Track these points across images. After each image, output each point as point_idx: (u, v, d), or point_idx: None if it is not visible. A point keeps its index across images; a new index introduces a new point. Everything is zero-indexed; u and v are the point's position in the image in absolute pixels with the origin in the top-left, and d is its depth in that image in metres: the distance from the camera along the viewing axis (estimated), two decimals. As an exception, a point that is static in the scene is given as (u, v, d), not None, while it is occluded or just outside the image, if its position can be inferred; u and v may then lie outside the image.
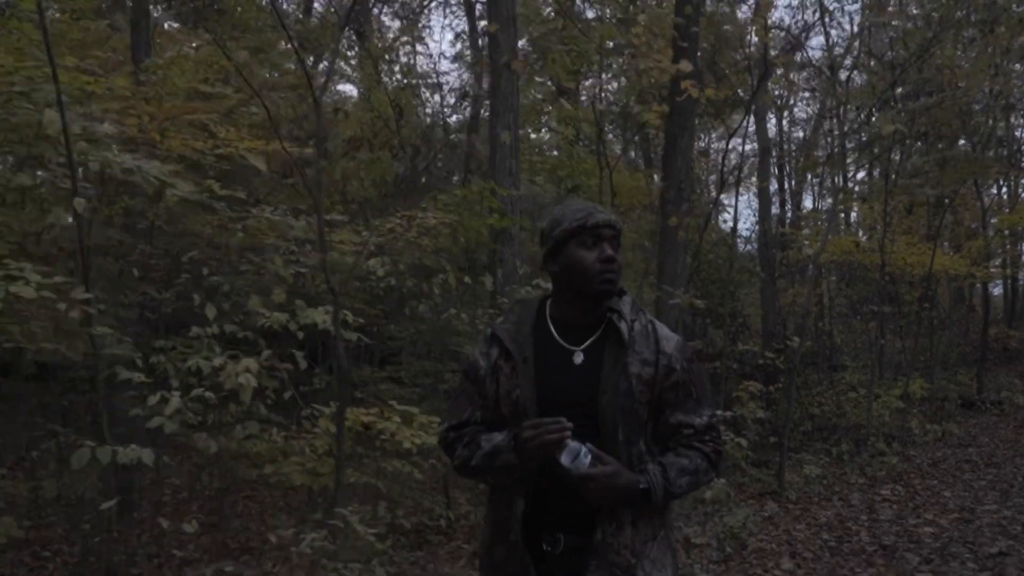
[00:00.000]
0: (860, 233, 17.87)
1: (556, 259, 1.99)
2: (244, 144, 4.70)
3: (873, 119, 14.84)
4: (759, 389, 8.96)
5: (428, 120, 10.12)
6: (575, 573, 1.89)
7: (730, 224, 15.89)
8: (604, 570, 1.88)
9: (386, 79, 10.40)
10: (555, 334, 2.00)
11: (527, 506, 1.93)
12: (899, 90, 11.03)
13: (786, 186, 19.55)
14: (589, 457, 1.81)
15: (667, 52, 8.42)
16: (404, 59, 12.37)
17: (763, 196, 12.45)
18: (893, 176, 11.17)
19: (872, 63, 14.08)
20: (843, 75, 12.88)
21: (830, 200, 18.80)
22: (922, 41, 9.26)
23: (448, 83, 13.11)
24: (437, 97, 12.25)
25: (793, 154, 19.09)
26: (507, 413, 1.97)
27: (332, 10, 16.47)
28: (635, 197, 9.51)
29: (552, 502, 1.92)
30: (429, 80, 12.89)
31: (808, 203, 20.63)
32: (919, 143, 12.01)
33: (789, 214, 18.90)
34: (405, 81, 11.17)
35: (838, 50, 13.46)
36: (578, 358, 1.97)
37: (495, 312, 5.36)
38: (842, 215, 18.13)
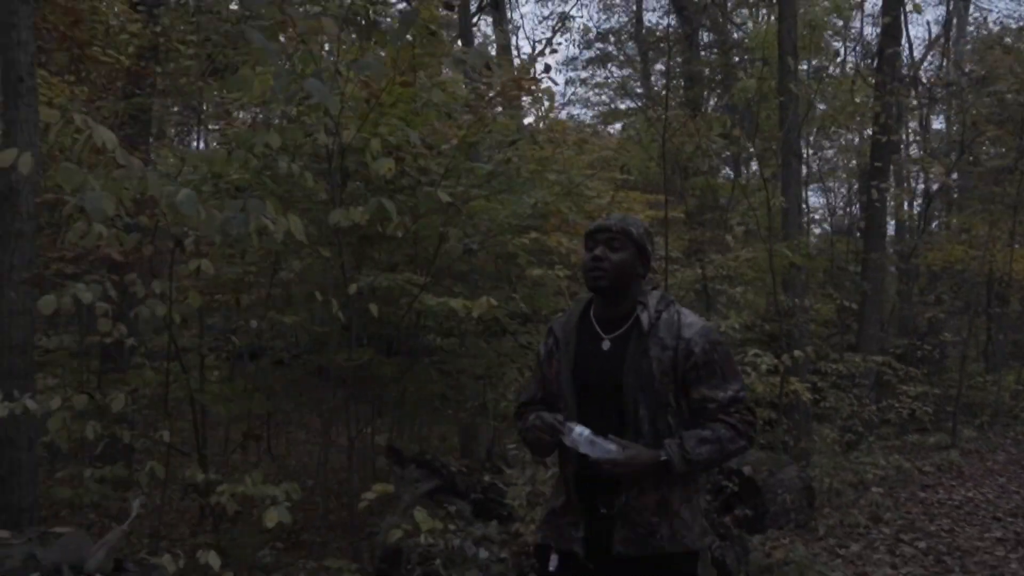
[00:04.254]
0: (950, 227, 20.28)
1: None
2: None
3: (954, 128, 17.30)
4: (916, 373, 11.97)
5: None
6: (610, 531, 2.20)
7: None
8: (627, 529, 2.18)
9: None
10: (596, 326, 2.32)
11: (581, 472, 2.22)
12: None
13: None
14: (587, 431, 2.15)
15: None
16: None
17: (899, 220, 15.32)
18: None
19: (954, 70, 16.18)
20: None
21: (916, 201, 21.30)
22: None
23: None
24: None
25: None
26: (555, 391, 2.33)
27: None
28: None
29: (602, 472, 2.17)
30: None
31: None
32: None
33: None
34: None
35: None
36: (606, 345, 2.28)
37: (803, 323, 8.44)
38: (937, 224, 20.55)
